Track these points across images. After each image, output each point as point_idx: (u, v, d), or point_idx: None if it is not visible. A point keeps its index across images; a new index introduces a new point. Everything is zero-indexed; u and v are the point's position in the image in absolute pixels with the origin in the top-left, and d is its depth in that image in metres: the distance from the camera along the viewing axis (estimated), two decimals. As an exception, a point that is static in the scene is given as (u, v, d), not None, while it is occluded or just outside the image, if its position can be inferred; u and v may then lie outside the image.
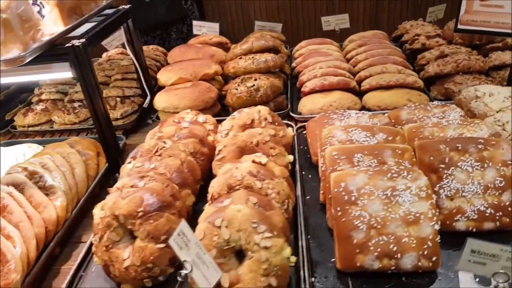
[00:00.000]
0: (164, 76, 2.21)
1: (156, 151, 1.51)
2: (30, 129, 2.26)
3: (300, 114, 2.05)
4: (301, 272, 1.16)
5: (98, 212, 1.28)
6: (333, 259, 1.21)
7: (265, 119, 1.62)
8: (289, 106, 2.12)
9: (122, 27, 2.09)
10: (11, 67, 1.42)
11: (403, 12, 4.04)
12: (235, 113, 1.71)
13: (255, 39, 2.35)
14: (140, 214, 1.19)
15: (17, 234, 1.34)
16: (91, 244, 1.40)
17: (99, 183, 1.76)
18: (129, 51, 2.17)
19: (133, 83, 2.43)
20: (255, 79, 2.12)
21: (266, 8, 3.06)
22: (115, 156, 1.84)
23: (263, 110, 1.64)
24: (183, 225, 1.08)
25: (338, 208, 1.11)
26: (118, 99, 2.33)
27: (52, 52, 1.58)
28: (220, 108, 2.22)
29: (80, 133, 2.24)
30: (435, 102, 1.52)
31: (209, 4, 3.71)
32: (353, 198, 1.09)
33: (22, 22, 1.40)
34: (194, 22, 3.04)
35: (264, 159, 1.37)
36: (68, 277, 1.28)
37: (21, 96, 2.57)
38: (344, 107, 1.89)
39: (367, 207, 1.09)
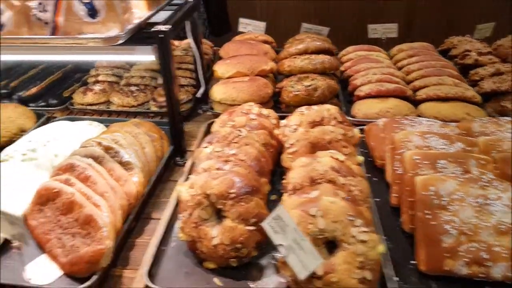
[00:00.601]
0: (221, 69, 2.29)
1: (233, 139, 1.59)
2: (88, 107, 2.34)
3: (353, 117, 2.13)
4: (385, 270, 1.21)
5: (187, 190, 1.36)
6: (412, 261, 1.27)
7: (335, 118, 1.69)
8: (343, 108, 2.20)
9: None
10: (107, 45, 1.49)
11: (438, 26, 4.13)
12: (302, 109, 1.78)
13: (311, 40, 2.43)
14: (232, 195, 1.27)
15: (103, 203, 1.42)
16: (170, 220, 1.48)
17: (165, 164, 1.85)
18: (192, 42, 2.25)
19: (187, 73, 2.50)
20: (312, 79, 2.20)
21: (296, 10, 3.13)
22: (180, 140, 1.92)
23: (333, 109, 1.72)
24: (281, 210, 1.16)
25: (427, 211, 1.18)
26: (173, 86, 2.40)
27: (138, 35, 1.66)
28: (272, 104, 2.30)
29: (137, 115, 2.32)
30: (507, 118, 1.59)
31: (247, 4, 3.77)
32: (443, 203, 1.16)
33: (121, 2, 1.47)
34: (241, 20, 3.11)
35: (341, 156, 1.45)
36: (153, 249, 1.36)
37: (75, 75, 2.65)
38: (401, 114, 1.97)
39: (458, 213, 1.16)
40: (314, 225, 1.15)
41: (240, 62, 2.27)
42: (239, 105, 2.18)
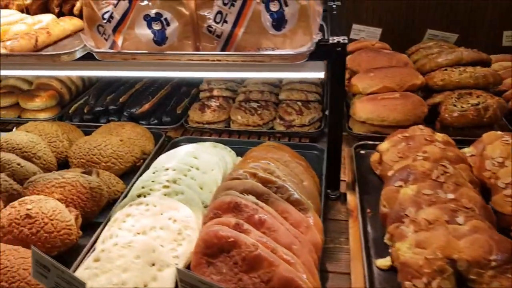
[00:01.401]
0: (363, 83, 1.98)
1: (437, 177, 1.26)
2: (206, 126, 2.10)
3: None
4: None
5: (410, 249, 1.04)
6: None
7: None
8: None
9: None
10: (293, 62, 1.22)
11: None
12: (506, 137, 1.43)
13: (464, 49, 2.07)
14: (493, 263, 0.95)
15: (296, 260, 1.13)
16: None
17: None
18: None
19: (311, 87, 2.22)
20: (477, 96, 1.85)
21: (414, 14, 2.77)
22: (336, 169, 1.62)
23: (554, 138, 1.37)
24: None
25: None
26: (299, 103, 2.12)
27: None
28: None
29: (261, 136, 2.05)
30: None
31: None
32: None
33: (315, 5, 1.19)
34: (354, 26, 2.80)
35: None
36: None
37: (181, 89, 2.42)
38: None
39: None
40: None
41: (387, 76, 1.94)
42: (389, 126, 1.87)
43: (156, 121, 2.14)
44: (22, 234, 1.25)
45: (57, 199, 1.37)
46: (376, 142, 1.80)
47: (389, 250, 1.24)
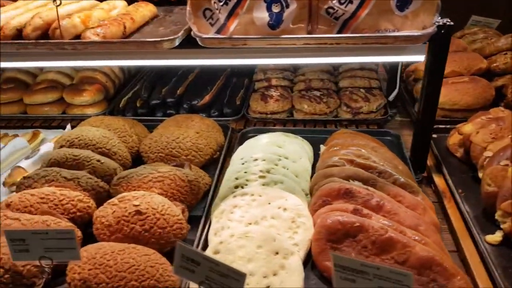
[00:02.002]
0: (430, 68, 1.96)
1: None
2: (269, 116, 2.04)
3: None
4: None
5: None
6: None
7: None
8: None
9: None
10: (412, 44, 1.18)
11: None
12: None
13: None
14: None
15: (428, 241, 1.11)
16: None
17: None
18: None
19: (373, 74, 2.18)
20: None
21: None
22: (424, 154, 1.59)
23: None
24: None
25: None
26: (363, 90, 2.09)
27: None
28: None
29: (326, 124, 2.01)
30: None
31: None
32: None
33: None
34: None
35: None
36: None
37: (233, 79, 2.36)
38: None
39: None
40: None
41: (455, 60, 1.92)
42: (459, 110, 1.87)
43: (216, 113, 2.07)
44: (134, 231, 1.19)
45: (158, 194, 1.32)
46: (447, 126, 1.82)
47: (501, 226, 1.25)
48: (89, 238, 1.26)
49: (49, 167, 1.51)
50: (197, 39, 1.21)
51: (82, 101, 2.17)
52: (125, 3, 1.58)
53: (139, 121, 1.97)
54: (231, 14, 1.14)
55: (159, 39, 1.21)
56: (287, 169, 1.47)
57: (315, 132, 1.92)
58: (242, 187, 1.40)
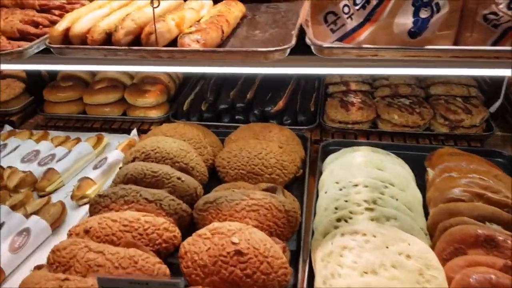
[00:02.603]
0: (548, 77, 1.68)
1: None
2: (350, 126, 1.82)
3: None
4: None
5: None
6: None
7: None
8: None
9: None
10: None
11: None
12: None
13: None
14: None
15: None
16: None
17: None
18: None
19: (471, 80, 1.90)
20: None
21: None
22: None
23: None
24: None
25: None
26: (460, 99, 1.83)
27: None
28: None
29: (419, 138, 1.77)
30: None
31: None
32: None
33: None
34: None
35: None
36: None
37: (302, 83, 2.14)
38: None
39: None
40: None
41: None
42: None
43: (289, 121, 1.87)
44: (234, 276, 1.01)
45: (253, 226, 1.14)
46: None
47: None
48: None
49: (124, 183, 1.36)
50: (313, 47, 1.00)
51: (146, 102, 2.01)
52: (211, 1, 1.39)
53: (206, 126, 1.81)
54: (367, 20, 0.93)
55: (272, 49, 1.02)
56: (397, 199, 1.26)
57: (407, 148, 1.68)
58: (346, 221, 1.20)
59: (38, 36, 1.23)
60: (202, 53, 1.04)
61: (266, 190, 1.26)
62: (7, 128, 1.95)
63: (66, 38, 1.17)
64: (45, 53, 1.21)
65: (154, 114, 2.03)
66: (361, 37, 0.97)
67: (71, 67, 1.22)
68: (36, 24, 1.27)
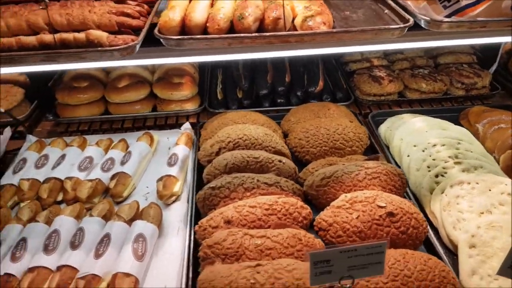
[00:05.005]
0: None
1: None
2: (383, 98, 1.99)
3: None
4: None
5: None
6: None
7: None
8: None
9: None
10: None
11: None
12: None
13: None
14: None
15: None
16: None
17: None
18: None
19: (470, 49, 2.20)
20: None
21: None
22: None
23: None
24: None
25: None
26: (465, 65, 2.10)
27: None
28: None
29: (442, 102, 2.01)
30: None
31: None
32: None
33: None
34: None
35: None
36: None
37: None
38: None
39: None
40: None
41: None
42: None
43: (329, 99, 1.98)
44: (392, 234, 1.11)
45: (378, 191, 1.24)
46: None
47: None
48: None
49: (227, 173, 1.35)
50: (425, 22, 1.12)
51: (182, 95, 1.94)
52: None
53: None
54: (488, -6, 1.08)
55: (401, 25, 1.11)
56: (471, 152, 1.47)
57: (443, 111, 1.90)
58: (443, 175, 1.38)
59: (138, 28, 1.15)
60: (333, 35, 1.10)
61: (369, 159, 1.37)
62: (32, 139, 1.73)
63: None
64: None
65: (189, 106, 1.97)
66: (474, 12, 1.12)
67: (184, 59, 1.15)
68: (127, 16, 1.18)
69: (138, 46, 1.09)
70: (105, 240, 1.20)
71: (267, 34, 1.09)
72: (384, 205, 1.14)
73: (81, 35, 1.03)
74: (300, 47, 1.15)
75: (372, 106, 2.01)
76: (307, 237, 1.09)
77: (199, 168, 1.55)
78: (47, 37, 1.02)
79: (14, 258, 1.15)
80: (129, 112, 1.95)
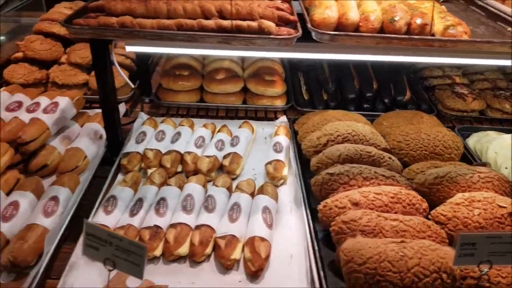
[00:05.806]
0: None
1: None
2: (465, 114, 2.08)
3: None
4: None
5: None
6: None
7: None
8: None
9: None
10: None
11: None
12: None
13: None
14: None
15: None
16: None
17: None
18: None
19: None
20: None
21: None
22: None
23: None
24: None
25: None
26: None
27: None
28: None
29: (521, 124, 2.10)
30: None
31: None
32: None
33: None
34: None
35: None
36: None
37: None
38: None
39: None
40: None
41: None
42: None
43: (414, 108, 2.08)
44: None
45: (491, 194, 1.33)
46: None
47: None
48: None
49: (340, 163, 1.45)
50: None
51: (274, 92, 2.07)
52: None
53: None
54: None
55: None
56: None
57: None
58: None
59: (291, 22, 1.28)
60: (474, 43, 1.20)
61: (477, 165, 1.46)
62: (144, 116, 1.87)
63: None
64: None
65: (279, 103, 2.10)
66: None
67: (331, 55, 1.31)
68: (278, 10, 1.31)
69: (295, 39, 1.22)
70: (236, 207, 1.32)
71: (415, 37, 1.20)
72: (505, 205, 1.22)
73: (254, 23, 1.16)
74: (438, 54, 1.26)
75: (454, 121, 2.10)
76: (435, 226, 1.18)
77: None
78: (225, 22, 1.15)
79: (158, 213, 1.28)
80: (224, 102, 2.08)
